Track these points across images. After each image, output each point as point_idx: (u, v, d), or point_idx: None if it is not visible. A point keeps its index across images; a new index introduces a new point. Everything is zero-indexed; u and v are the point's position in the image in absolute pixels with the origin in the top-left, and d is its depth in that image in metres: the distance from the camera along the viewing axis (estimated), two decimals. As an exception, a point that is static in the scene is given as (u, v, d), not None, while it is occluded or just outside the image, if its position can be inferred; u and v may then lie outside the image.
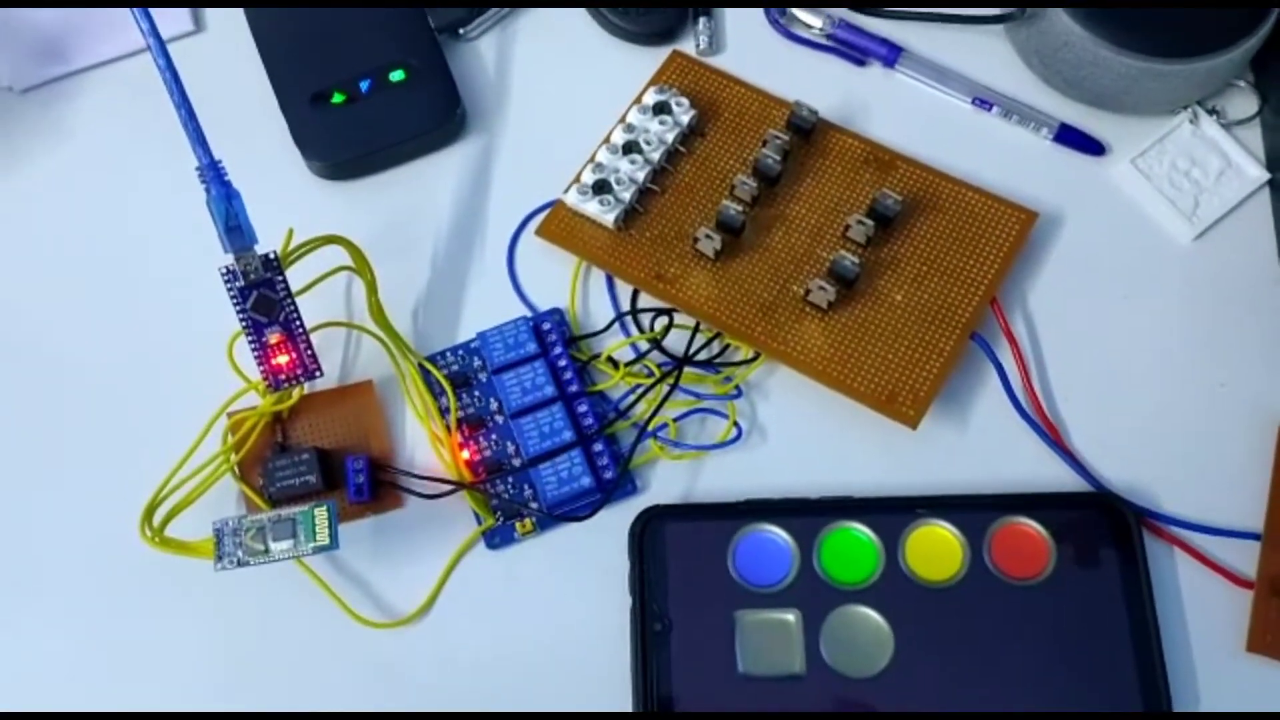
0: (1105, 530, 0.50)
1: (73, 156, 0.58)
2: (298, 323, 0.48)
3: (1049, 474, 0.51)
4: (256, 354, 0.48)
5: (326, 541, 0.46)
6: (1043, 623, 0.48)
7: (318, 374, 0.48)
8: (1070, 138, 0.57)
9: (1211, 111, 0.57)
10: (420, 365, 0.53)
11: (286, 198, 0.55)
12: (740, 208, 0.53)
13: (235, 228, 0.46)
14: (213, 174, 0.46)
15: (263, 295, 0.47)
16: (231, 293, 0.47)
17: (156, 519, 0.48)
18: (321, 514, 0.46)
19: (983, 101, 0.58)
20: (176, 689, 0.49)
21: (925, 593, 0.49)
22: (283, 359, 0.48)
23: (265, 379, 0.48)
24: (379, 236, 0.54)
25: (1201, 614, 0.49)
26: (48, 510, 0.52)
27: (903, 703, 0.47)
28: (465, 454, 0.51)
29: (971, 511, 0.50)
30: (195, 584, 0.49)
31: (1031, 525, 0.50)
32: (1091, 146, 0.57)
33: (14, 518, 0.52)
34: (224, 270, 0.47)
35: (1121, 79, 0.55)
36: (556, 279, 0.55)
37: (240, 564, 0.46)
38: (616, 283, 0.55)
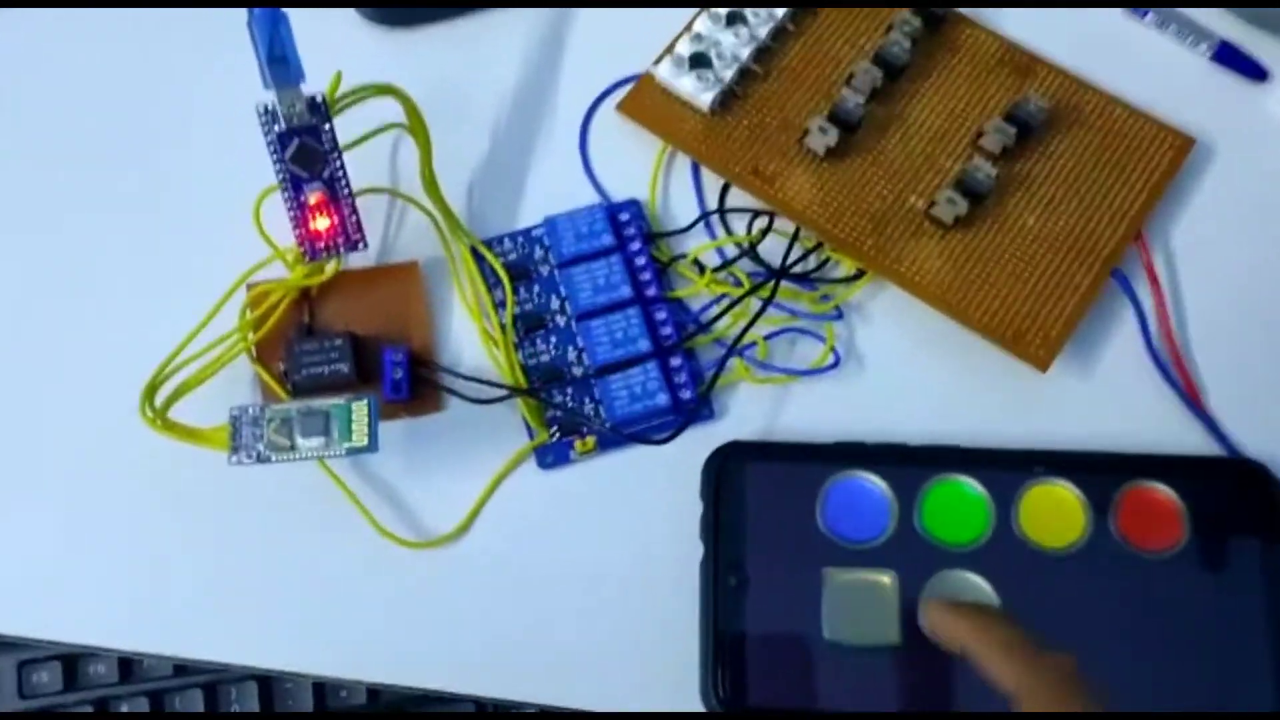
0: (1249, 503, 0.44)
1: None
2: (343, 182, 0.42)
3: (1183, 435, 0.46)
4: (292, 215, 0.42)
5: (364, 442, 0.40)
6: (1169, 602, 0.43)
7: (361, 245, 0.43)
8: (1230, 58, 0.51)
9: (1387, 45, 0.51)
10: (474, 249, 0.46)
11: (330, 43, 0.47)
12: (860, 99, 0.46)
13: (280, 58, 0.39)
14: (258, -12, 0.38)
15: (305, 144, 0.41)
16: (269, 138, 0.41)
17: (159, 399, 0.41)
18: (360, 409, 0.40)
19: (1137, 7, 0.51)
20: (174, 597, 0.44)
21: (1040, 559, 0.44)
22: (322, 223, 0.42)
23: (300, 245, 0.42)
24: (435, 97, 0.46)
25: (1347, 606, 0.44)
26: (46, 386, 0.46)
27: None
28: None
29: (1098, 472, 0.45)
30: (202, 481, 0.44)
31: (1165, 491, 0.44)
32: (1253, 70, 0.51)
33: (11, 394, 0.46)
34: (262, 110, 0.40)
35: (1300, -5, 0.48)
36: (635, 165, 0.49)
37: (260, 459, 0.39)
38: (704, 175, 0.48)
